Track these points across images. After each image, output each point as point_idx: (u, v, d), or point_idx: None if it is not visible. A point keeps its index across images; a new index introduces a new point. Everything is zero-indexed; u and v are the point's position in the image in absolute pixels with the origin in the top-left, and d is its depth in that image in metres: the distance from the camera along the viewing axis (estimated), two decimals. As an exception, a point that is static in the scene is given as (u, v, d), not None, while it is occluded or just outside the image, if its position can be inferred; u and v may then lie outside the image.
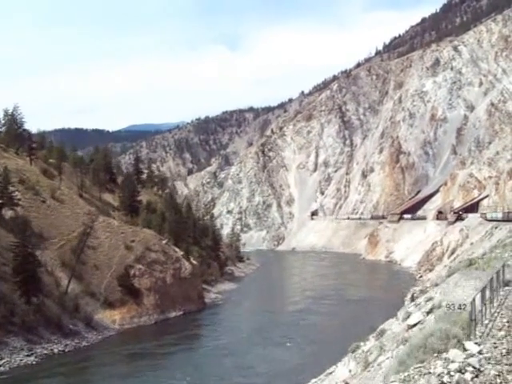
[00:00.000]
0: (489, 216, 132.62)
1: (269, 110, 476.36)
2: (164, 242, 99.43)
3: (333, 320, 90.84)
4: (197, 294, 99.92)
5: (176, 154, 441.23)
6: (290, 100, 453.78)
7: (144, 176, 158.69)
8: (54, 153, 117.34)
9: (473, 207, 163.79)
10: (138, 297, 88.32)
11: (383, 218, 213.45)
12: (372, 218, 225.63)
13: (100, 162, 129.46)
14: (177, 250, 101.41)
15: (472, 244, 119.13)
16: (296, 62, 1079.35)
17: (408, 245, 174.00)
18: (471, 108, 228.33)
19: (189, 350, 74.48)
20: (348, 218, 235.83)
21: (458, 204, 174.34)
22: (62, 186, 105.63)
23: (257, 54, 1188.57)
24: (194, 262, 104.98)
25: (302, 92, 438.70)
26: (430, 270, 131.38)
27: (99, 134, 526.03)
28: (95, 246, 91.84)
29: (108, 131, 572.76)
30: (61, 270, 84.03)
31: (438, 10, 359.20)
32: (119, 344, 76.68)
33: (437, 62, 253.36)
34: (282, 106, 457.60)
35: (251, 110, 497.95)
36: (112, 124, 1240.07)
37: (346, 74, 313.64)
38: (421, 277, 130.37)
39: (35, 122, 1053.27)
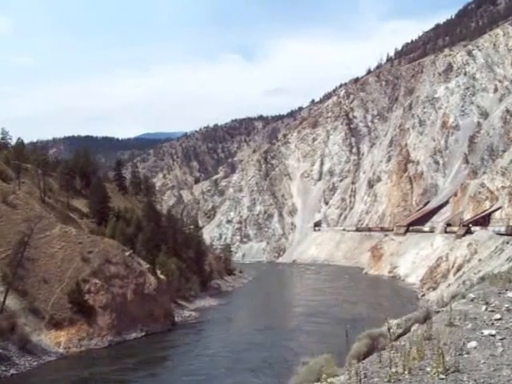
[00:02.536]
0: (490, 229, 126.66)
1: (278, 118, 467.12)
2: (127, 253, 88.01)
3: (318, 343, 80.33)
4: (163, 312, 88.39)
5: (183, 163, 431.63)
6: (300, 108, 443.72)
7: (127, 182, 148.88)
8: (13, 153, 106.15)
9: (484, 220, 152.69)
10: (90, 315, 76.88)
11: (386, 230, 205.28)
12: (371, 229, 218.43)
13: (68, 165, 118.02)
14: (142, 262, 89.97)
15: (480, 260, 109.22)
16: (311, 71, 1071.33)
17: (414, 259, 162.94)
18: (485, 115, 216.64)
19: (146, 377, 63.95)
20: (352, 230, 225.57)
21: (468, 216, 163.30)
22: (20, 189, 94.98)
23: (272, 63, 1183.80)
24: (162, 276, 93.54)
25: (313, 100, 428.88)
26: (434, 289, 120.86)
27: (109, 141, 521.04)
28: (47, 257, 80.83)
29: (118, 139, 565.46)
30: (2, 284, 72.90)
31: (453, 16, 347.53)
32: (59, 371, 65.40)
33: (449, 68, 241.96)
34: (291, 114, 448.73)
35: (261, 118, 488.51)
36: (126, 132, 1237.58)
37: (355, 80, 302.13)
38: (423, 295, 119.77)
39: (47, 130, 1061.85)
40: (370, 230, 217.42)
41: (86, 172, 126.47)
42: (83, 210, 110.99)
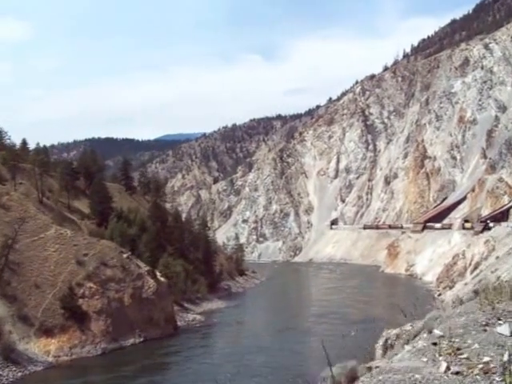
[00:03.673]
0: (504, 225, 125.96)
1: (296, 117, 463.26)
2: (125, 255, 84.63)
3: (327, 347, 76.64)
4: (164, 316, 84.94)
5: (202, 163, 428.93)
6: (318, 107, 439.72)
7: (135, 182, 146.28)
8: (8, 153, 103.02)
9: (502, 215, 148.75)
10: (83, 322, 73.66)
11: (395, 227, 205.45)
12: (378, 227, 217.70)
13: (68, 165, 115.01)
14: (141, 265, 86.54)
15: (498, 258, 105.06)
16: (331, 70, 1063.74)
17: (431, 257, 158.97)
18: (503, 109, 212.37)
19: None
20: (360, 228, 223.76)
21: (486, 212, 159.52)
22: (16, 190, 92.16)
23: (292, 63, 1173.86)
24: (162, 278, 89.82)
25: (330, 98, 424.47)
26: (450, 288, 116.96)
27: (129, 143, 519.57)
28: (40, 261, 77.75)
29: (138, 140, 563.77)
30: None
31: (470, 11, 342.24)
32: (45, 382, 62.51)
33: (466, 62, 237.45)
34: (309, 112, 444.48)
35: (279, 117, 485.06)
36: (147, 134, 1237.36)
37: (370, 76, 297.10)
38: (440, 295, 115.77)
39: (69, 133, 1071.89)
40: (377, 227, 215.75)
41: (90, 172, 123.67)
42: (85, 211, 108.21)
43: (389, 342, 28.53)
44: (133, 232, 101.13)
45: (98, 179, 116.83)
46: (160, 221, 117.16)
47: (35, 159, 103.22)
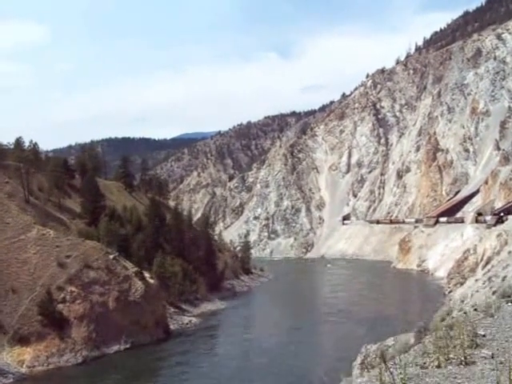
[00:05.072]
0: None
1: (311, 113, 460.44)
2: (111, 256, 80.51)
3: (330, 349, 74.09)
4: (153, 320, 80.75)
5: (217, 160, 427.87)
6: (332, 102, 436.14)
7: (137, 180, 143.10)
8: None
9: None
10: (63, 328, 69.59)
11: (397, 222, 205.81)
12: (379, 222, 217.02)
13: (58, 162, 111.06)
14: (128, 266, 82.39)
15: (510, 253, 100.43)
16: (347, 66, 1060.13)
17: (443, 252, 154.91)
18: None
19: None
20: (360, 224, 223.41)
21: (499, 204, 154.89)
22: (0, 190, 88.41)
23: (308, 60, 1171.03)
24: (151, 280, 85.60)
25: (344, 94, 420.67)
26: (461, 284, 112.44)
27: (145, 142, 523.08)
28: (19, 264, 73.93)
29: (154, 139, 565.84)
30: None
31: (483, 3, 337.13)
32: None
33: (478, 53, 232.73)
34: (323, 108, 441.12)
35: (293, 114, 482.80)
36: (165, 133, 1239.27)
37: (381, 70, 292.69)
38: (450, 291, 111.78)
39: (88, 133, 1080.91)
40: (378, 222, 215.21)
41: (86, 170, 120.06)
42: (77, 210, 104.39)
43: (368, 359, 24.51)
44: (125, 231, 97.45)
45: (90, 176, 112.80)
46: (158, 219, 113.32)
47: (19, 156, 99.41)
